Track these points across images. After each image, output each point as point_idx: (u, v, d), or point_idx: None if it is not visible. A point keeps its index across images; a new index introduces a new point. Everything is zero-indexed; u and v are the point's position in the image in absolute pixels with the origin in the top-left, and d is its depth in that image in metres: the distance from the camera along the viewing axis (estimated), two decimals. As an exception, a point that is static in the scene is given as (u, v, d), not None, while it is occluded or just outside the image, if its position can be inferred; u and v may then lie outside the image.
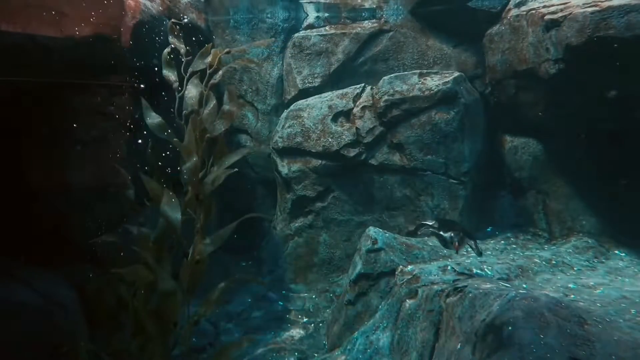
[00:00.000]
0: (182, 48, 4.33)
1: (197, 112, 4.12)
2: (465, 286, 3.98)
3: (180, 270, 3.93)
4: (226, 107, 4.28)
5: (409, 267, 4.74)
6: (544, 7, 5.29)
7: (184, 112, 4.18)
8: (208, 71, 4.28)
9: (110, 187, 4.04)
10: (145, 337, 3.74)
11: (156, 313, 3.76)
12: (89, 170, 4.09)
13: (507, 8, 5.98)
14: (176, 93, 4.19)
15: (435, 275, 4.49)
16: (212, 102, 4.21)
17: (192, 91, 4.18)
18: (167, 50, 4.32)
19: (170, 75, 4.29)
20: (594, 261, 5.04)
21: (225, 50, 4.43)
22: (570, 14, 4.89)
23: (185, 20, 4.91)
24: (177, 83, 4.28)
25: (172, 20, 4.45)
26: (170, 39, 4.35)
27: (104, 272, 3.76)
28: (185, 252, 3.95)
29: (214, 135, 4.11)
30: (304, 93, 6.65)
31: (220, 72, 4.30)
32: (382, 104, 5.86)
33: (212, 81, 4.26)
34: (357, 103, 6.05)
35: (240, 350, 4.56)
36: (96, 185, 4.07)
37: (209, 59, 4.32)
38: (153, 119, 4.12)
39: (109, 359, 3.63)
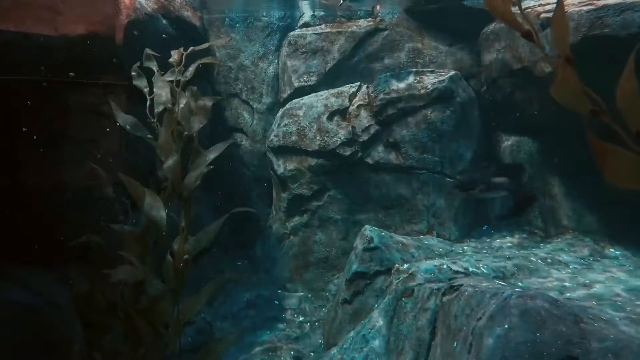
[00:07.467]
0: (155, 67, 4.37)
1: (171, 110, 4.11)
2: (461, 285, 3.98)
3: (166, 271, 3.91)
4: (200, 102, 4.26)
5: (405, 266, 4.73)
6: (540, 5, 5.29)
7: (156, 111, 4.17)
8: (176, 69, 4.27)
9: (103, 187, 4.01)
10: (136, 338, 3.72)
11: (146, 314, 3.73)
12: (83, 169, 4.06)
13: (503, 6, 5.98)
14: (147, 95, 4.20)
15: (431, 273, 4.49)
16: (184, 100, 4.20)
17: (160, 89, 4.17)
18: (136, 64, 4.35)
19: (140, 84, 4.34)
20: (589, 259, 5.05)
21: (190, 49, 4.42)
22: (565, 12, 4.89)
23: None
24: (147, 88, 4.29)
25: (147, 50, 4.45)
26: (146, 63, 4.35)
27: (95, 272, 3.74)
28: (171, 252, 3.92)
29: (191, 133, 4.11)
30: (300, 92, 6.63)
31: (191, 70, 4.29)
32: (378, 102, 5.84)
33: (183, 79, 4.26)
34: (353, 102, 6.04)
35: (234, 348, 4.52)
36: (90, 184, 4.05)
37: (175, 57, 4.33)
38: (125, 120, 4.16)
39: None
